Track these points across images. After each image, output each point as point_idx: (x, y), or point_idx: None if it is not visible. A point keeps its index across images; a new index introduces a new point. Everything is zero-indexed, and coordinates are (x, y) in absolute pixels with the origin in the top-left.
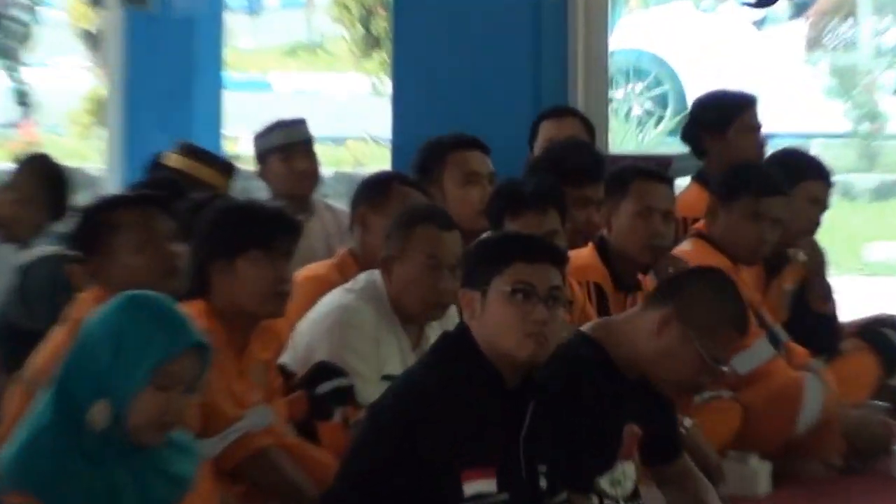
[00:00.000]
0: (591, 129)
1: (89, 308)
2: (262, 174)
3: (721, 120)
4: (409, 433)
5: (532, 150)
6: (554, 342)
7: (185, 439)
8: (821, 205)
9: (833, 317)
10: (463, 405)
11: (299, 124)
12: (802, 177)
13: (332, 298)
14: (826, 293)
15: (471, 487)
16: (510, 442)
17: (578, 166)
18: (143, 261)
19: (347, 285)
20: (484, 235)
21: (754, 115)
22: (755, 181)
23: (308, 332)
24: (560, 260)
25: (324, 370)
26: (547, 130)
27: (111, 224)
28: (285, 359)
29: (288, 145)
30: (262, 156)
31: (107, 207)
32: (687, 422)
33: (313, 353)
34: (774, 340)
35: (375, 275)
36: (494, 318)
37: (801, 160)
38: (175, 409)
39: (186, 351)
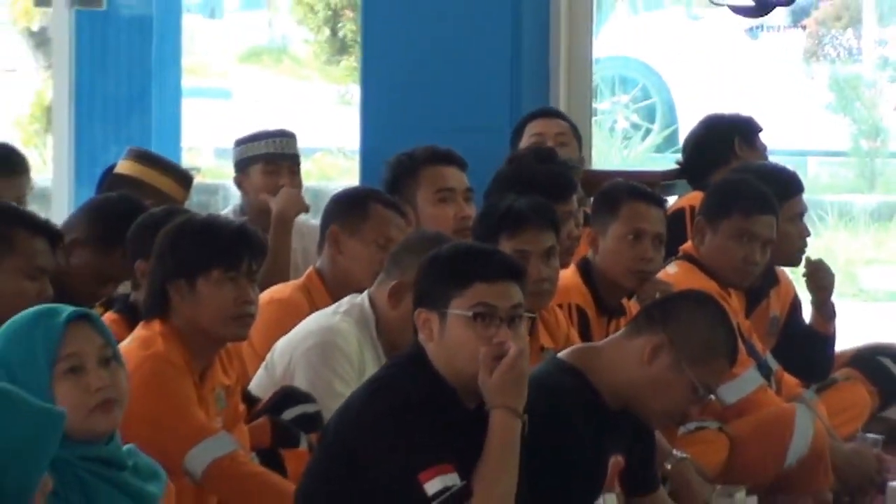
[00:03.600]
0: (578, 135)
1: None
2: (239, 183)
3: (724, 153)
4: (355, 456)
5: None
6: None
7: (149, 463)
8: (802, 220)
9: (832, 339)
10: (407, 417)
11: (289, 137)
12: (785, 194)
13: (315, 319)
14: (832, 313)
15: (433, 486)
16: (471, 459)
17: (553, 180)
18: (23, 288)
19: (330, 308)
20: (435, 250)
21: (760, 144)
22: (744, 199)
23: (288, 353)
24: (520, 274)
25: (289, 395)
26: (534, 129)
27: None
28: (256, 384)
29: (274, 157)
30: (243, 163)
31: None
32: (678, 454)
33: (292, 376)
34: (765, 369)
35: (360, 299)
36: (454, 342)
37: (781, 175)
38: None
39: (71, 325)
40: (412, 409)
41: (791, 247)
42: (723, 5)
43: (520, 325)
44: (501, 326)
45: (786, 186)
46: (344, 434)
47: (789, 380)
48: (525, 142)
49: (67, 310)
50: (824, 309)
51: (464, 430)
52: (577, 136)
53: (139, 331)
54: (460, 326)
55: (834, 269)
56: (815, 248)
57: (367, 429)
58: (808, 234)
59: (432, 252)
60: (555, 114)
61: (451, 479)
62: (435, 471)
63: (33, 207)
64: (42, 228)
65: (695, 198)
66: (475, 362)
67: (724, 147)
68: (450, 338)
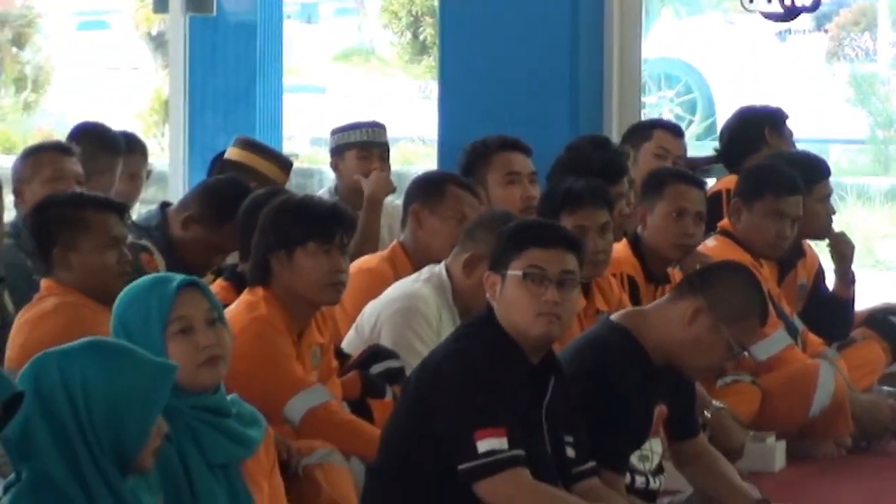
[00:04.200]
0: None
1: (46, 298)
2: (335, 166)
3: (756, 141)
4: (428, 404)
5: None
6: (567, 322)
7: (251, 411)
8: (824, 202)
9: (852, 302)
10: (477, 373)
11: (380, 128)
12: (815, 178)
13: (399, 286)
14: (852, 279)
15: (483, 445)
16: (532, 409)
17: (606, 165)
18: (104, 260)
19: (412, 277)
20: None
21: (787, 131)
22: (776, 181)
23: (375, 315)
24: (576, 246)
25: (376, 353)
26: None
27: (78, 221)
28: (347, 343)
29: (366, 144)
30: (339, 149)
31: (74, 204)
32: (716, 403)
33: (378, 336)
34: (792, 330)
35: (438, 269)
36: (510, 299)
37: (811, 161)
38: (206, 342)
39: (182, 291)
40: (480, 368)
41: (819, 223)
42: (755, 11)
43: (571, 289)
44: (550, 287)
45: (815, 171)
46: (421, 386)
47: (813, 339)
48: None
49: (178, 278)
50: (845, 276)
51: (525, 382)
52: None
53: (245, 296)
54: (514, 285)
55: (853, 242)
56: (836, 225)
57: (439, 382)
58: (834, 213)
59: (503, 227)
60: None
61: (501, 444)
62: (489, 432)
63: (152, 189)
64: (108, 204)
65: (730, 181)
66: (527, 317)
67: (756, 135)
68: (507, 295)
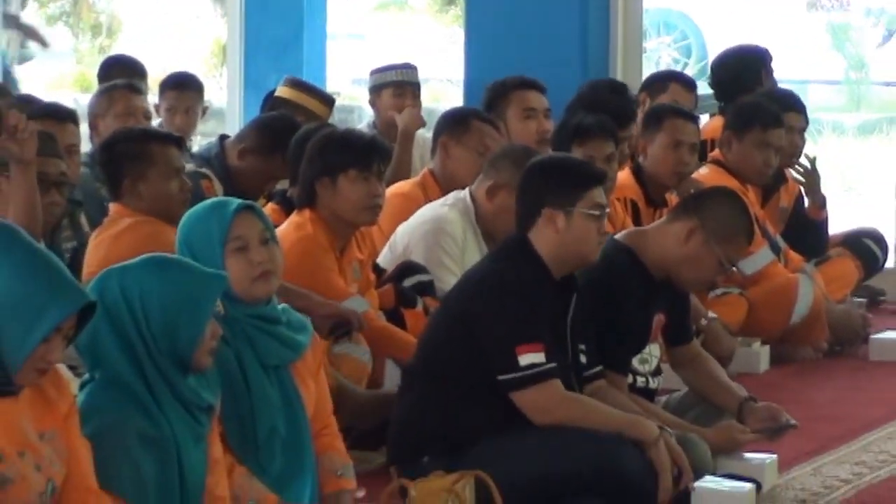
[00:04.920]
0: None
1: (118, 220)
2: (373, 103)
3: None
4: (470, 317)
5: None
6: None
7: (300, 318)
8: (801, 133)
9: (825, 223)
10: (517, 293)
11: (412, 69)
12: (787, 110)
13: (429, 209)
14: (822, 203)
15: (525, 359)
16: (558, 323)
17: (619, 110)
18: (168, 188)
19: (440, 201)
20: (544, 158)
21: (770, 70)
22: (763, 115)
23: (408, 234)
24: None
25: (409, 268)
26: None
27: (143, 154)
28: (382, 259)
29: (401, 84)
30: (377, 88)
31: (139, 140)
32: (710, 315)
33: (411, 253)
34: (775, 248)
35: (463, 194)
36: (581, 234)
37: (784, 96)
38: (260, 258)
39: (238, 214)
40: (519, 288)
41: (790, 152)
42: None
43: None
44: (604, 220)
45: (790, 105)
46: (462, 301)
47: (794, 256)
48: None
49: (235, 202)
50: (816, 200)
51: (554, 301)
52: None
53: (293, 218)
54: (584, 221)
55: (829, 172)
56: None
57: (482, 299)
58: (804, 143)
59: (545, 164)
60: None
61: (539, 358)
62: (530, 347)
63: (211, 123)
64: (169, 138)
65: (714, 130)
66: (591, 246)
67: (753, 75)
68: (576, 230)
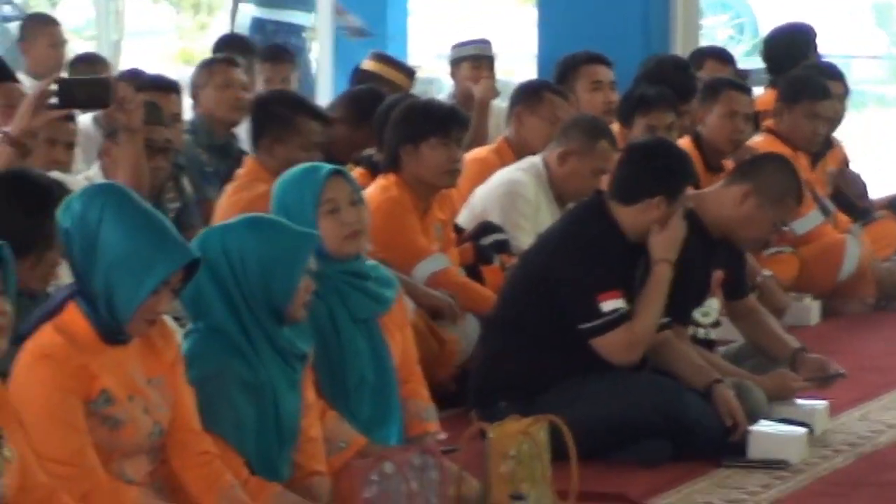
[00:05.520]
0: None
1: (255, 180)
2: (452, 75)
3: (801, 56)
4: (549, 272)
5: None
6: None
7: (387, 274)
8: (842, 99)
9: (869, 208)
10: (595, 247)
11: (488, 43)
12: (829, 79)
13: (504, 173)
14: (861, 193)
15: (607, 305)
16: (628, 280)
17: (681, 85)
18: (300, 159)
19: (514, 166)
20: (674, 148)
21: (816, 46)
22: (812, 88)
23: (484, 198)
24: None
25: (486, 227)
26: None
27: (292, 122)
28: (462, 219)
29: (478, 57)
30: (456, 61)
31: (294, 108)
32: (765, 272)
33: (487, 214)
34: (825, 210)
35: (536, 160)
36: (674, 224)
37: (826, 67)
38: (350, 219)
39: (329, 178)
40: (596, 243)
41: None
42: None
43: None
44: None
45: (833, 75)
46: (542, 257)
47: (842, 218)
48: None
49: (326, 167)
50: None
51: (627, 259)
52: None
53: (379, 181)
54: (678, 209)
55: (873, 141)
56: (858, 126)
57: (562, 255)
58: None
59: (674, 154)
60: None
61: (620, 304)
62: (610, 294)
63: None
64: (319, 115)
65: (765, 102)
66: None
67: (802, 50)
68: (671, 213)
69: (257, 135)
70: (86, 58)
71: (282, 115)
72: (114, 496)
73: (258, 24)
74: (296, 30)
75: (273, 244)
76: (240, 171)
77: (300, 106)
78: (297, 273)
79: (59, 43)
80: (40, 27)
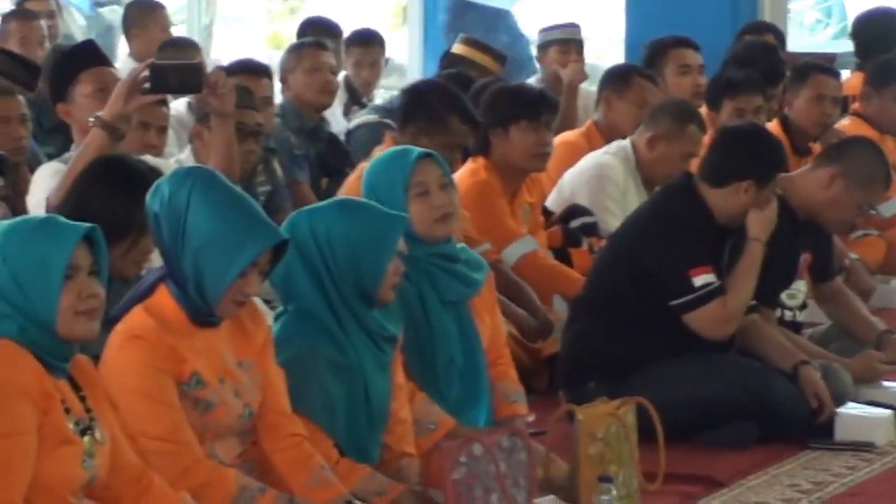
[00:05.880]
0: None
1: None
2: (540, 59)
3: (886, 41)
4: (639, 251)
5: None
6: None
7: (476, 257)
8: None
9: None
10: (685, 225)
11: (576, 27)
12: None
13: (593, 157)
14: None
15: (699, 280)
16: (716, 261)
17: (770, 69)
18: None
19: (603, 149)
20: (767, 134)
21: None
22: None
23: (573, 181)
24: None
25: (575, 210)
26: None
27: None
28: (550, 202)
29: (566, 41)
30: (545, 45)
31: (445, 105)
32: (852, 255)
33: (576, 197)
34: None
35: (625, 143)
36: (762, 200)
37: None
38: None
39: (419, 161)
40: (686, 221)
41: None
42: None
43: None
44: None
45: None
46: (631, 237)
47: None
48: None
49: (416, 150)
50: None
51: (716, 239)
52: None
53: (468, 164)
54: (769, 200)
55: None
56: None
57: (653, 233)
58: None
59: (768, 140)
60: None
61: (711, 278)
62: (702, 270)
63: (393, 78)
64: (471, 118)
65: (853, 87)
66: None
67: (890, 35)
68: (761, 198)
69: (405, 119)
70: (174, 42)
71: (435, 109)
72: (214, 472)
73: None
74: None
75: (361, 227)
76: (378, 149)
77: (455, 105)
78: (385, 256)
79: (168, 27)
80: (148, 12)
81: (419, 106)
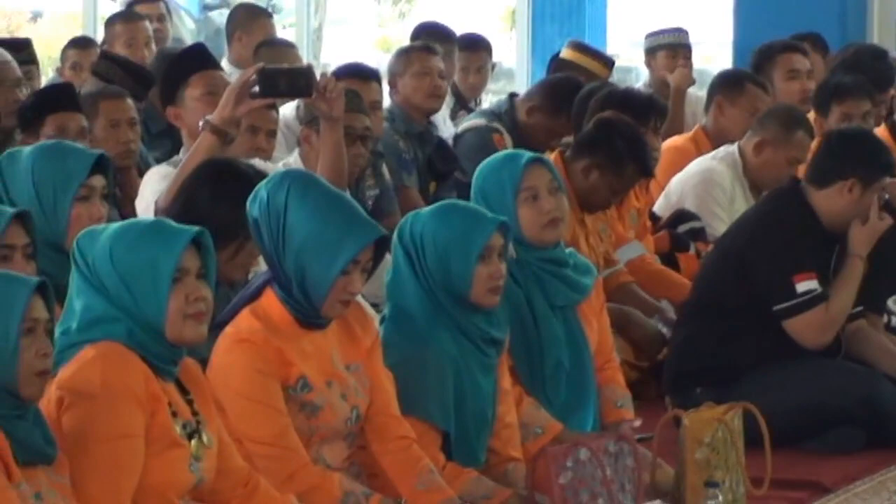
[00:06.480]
0: None
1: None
2: (648, 64)
3: None
4: (745, 255)
5: None
6: None
7: (585, 262)
8: None
9: None
10: (792, 230)
11: (685, 32)
12: None
13: (701, 162)
14: None
15: (802, 286)
16: (822, 269)
17: (878, 74)
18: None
19: (710, 155)
20: (865, 133)
21: None
22: None
23: (680, 186)
24: None
25: (682, 215)
26: None
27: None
28: (658, 207)
29: (674, 46)
30: (652, 50)
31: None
32: None
33: (683, 202)
34: None
35: (733, 149)
36: (865, 208)
37: None
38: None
39: (529, 165)
40: (793, 226)
41: None
42: None
43: None
44: None
45: None
46: (738, 241)
47: None
48: None
49: (526, 154)
50: None
51: (822, 245)
52: None
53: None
54: (870, 197)
55: None
56: None
57: (758, 238)
58: None
59: (868, 139)
60: None
61: (815, 285)
62: (806, 276)
63: (501, 83)
64: (646, 171)
65: None
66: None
67: None
68: (864, 205)
69: (586, 147)
70: (271, 42)
71: (617, 149)
72: (320, 477)
73: None
74: None
75: (447, 228)
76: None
77: (637, 154)
78: (470, 256)
79: (273, 34)
80: (255, 17)
81: (605, 141)
